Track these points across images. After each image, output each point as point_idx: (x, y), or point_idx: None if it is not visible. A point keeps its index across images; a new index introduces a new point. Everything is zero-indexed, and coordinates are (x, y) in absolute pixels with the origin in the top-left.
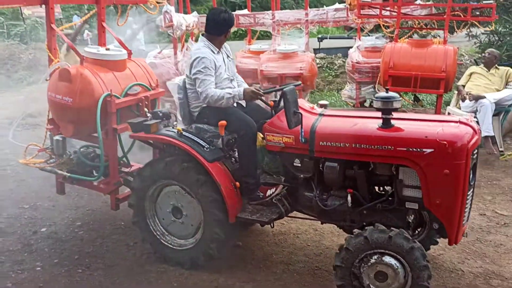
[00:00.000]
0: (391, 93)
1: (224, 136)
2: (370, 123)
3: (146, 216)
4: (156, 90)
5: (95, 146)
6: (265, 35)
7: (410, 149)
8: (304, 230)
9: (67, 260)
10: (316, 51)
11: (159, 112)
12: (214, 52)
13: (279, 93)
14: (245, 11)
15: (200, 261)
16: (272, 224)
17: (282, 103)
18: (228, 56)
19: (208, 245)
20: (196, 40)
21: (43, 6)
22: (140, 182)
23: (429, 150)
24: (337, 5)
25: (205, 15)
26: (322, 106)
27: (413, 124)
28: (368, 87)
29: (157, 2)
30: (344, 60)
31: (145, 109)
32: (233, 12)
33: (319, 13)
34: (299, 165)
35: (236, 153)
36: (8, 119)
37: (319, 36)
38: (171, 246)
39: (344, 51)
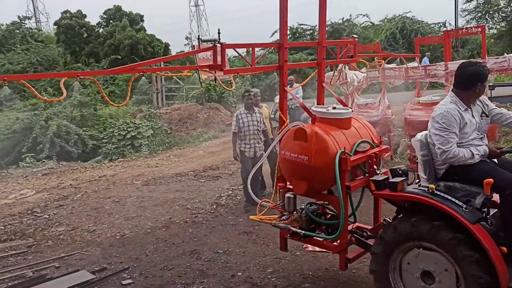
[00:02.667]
0: None
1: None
2: None
3: (389, 282)
4: (380, 146)
5: (320, 203)
6: (432, 86)
7: None
8: None
9: None
10: None
11: (398, 170)
12: (460, 109)
13: None
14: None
15: None
16: None
17: None
18: (483, 113)
19: None
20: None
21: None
22: (382, 245)
23: None
24: None
25: None
26: None
27: None
28: None
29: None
30: None
31: (374, 166)
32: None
33: (499, 61)
34: None
35: (493, 214)
36: (193, 171)
37: (490, 84)
38: None
39: None
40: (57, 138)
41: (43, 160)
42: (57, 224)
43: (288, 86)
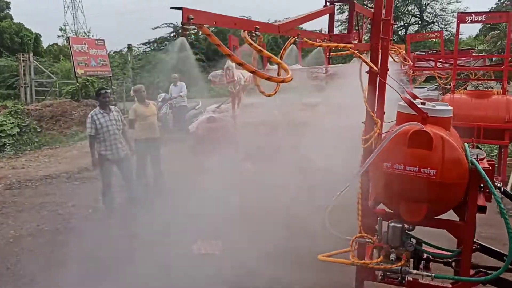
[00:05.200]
0: None
1: None
2: None
3: None
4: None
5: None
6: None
7: None
8: None
9: None
10: None
11: None
12: None
13: None
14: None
15: None
16: None
17: None
18: None
19: None
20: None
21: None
22: None
23: None
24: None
25: None
26: None
27: None
28: None
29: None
30: None
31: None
32: None
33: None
34: None
35: None
36: (66, 173)
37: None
38: None
39: None
40: None
41: None
42: None
43: (172, 84)
